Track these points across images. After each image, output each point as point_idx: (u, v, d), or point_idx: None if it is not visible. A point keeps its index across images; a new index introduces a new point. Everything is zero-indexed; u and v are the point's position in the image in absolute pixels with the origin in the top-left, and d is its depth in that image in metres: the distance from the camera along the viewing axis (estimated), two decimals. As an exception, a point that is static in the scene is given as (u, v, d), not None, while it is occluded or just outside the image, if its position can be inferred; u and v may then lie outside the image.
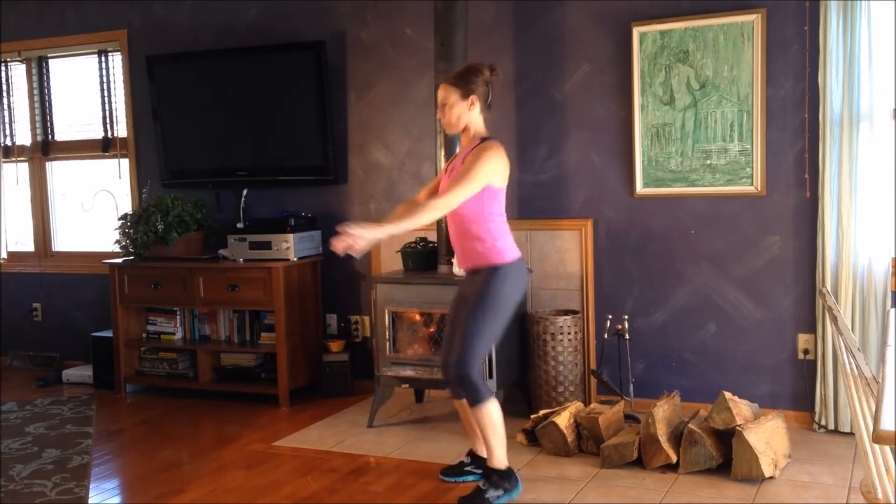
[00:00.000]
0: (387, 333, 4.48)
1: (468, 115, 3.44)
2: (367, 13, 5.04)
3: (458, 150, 3.75)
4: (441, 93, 3.48)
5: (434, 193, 3.55)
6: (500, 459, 3.45)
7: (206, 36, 5.45)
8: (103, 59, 5.82)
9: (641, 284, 4.53)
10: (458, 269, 4.06)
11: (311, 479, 3.79)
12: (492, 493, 3.39)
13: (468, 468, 3.71)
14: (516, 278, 3.46)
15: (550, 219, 4.68)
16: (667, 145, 4.39)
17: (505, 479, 3.43)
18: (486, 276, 3.41)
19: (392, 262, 4.96)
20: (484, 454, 3.59)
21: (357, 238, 3.17)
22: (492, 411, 3.39)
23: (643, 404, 4.25)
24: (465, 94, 3.43)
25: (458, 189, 3.32)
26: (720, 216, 4.35)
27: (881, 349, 3.19)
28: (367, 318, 5.17)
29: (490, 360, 4.18)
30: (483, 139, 3.45)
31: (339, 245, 3.20)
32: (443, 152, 4.38)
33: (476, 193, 3.35)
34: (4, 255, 6.27)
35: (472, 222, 3.41)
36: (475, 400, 3.39)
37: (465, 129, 3.48)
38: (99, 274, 5.67)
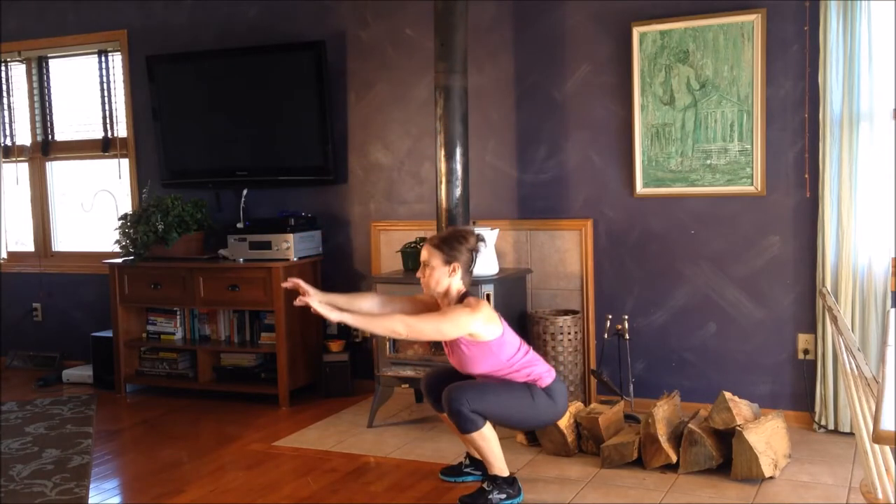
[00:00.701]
0: (387, 333, 4.48)
1: (448, 280, 3.43)
2: (367, 13, 5.04)
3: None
4: (424, 252, 3.46)
5: (416, 309, 3.54)
6: (501, 469, 3.45)
7: (206, 36, 5.45)
8: (103, 59, 5.82)
9: (641, 284, 4.53)
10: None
11: (311, 479, 3.78)
12: (495, 496, 3.39)
13: (468, 469, 3.71)
14: (554, 402, 3.44)
15: (550, 219, 4.68)
16: (667, 145, 4.39)
17: (509, 485, 3.44)
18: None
19: (392, 262, 4.96)
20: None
21: (309, 297, 3.33)
22: (485, 434, 3.38)
23: (643, 404, 4.25)
24: (448, 262, 3.41)
25: (430, 322, 3.35)
26: (720, 216, 4.35)
27: (881, 349, 3.18)
28: (367, 318, 5.16)
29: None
30: (464, 296, 3.44)
31: (293, 283, 3.41)
32: (443, 152, 4.37)
33: (475, 351, 3.37)
34: (4, 255, 6.27)
35: (503, 373, 3.42)
36: (466, 430, 3.37)
37: (446, 292, 3.45)
38: (99, 274, 5.67)
